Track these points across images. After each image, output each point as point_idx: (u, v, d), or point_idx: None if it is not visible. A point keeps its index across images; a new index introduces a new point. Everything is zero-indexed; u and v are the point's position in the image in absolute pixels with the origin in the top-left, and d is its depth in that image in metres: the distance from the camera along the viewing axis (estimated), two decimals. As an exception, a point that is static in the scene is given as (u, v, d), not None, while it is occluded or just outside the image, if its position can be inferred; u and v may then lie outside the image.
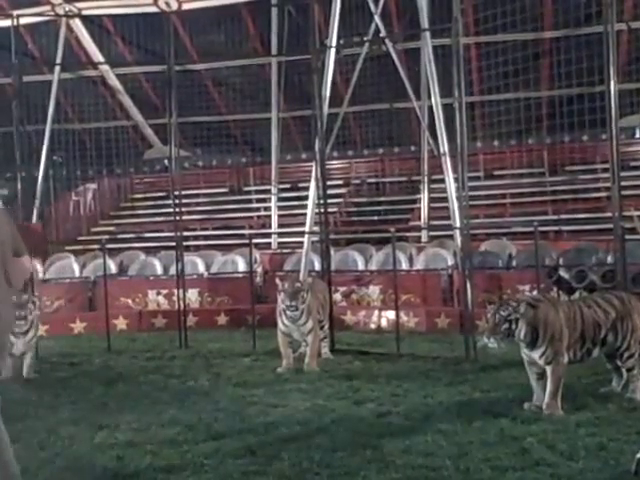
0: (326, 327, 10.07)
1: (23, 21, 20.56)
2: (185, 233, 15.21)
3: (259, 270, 15.15)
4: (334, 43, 14.71)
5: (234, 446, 5.87)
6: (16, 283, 4.60)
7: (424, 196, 19.17)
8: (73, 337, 12.64)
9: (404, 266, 14.34)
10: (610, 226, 9.87)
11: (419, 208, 19.49)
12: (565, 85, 20.30)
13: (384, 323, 12.45)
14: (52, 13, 21.09)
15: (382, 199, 21.81)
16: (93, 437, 6.31)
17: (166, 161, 21.18)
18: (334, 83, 15.12)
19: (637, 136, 20.79)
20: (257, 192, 22.92)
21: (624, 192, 9.61)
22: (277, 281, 9.52)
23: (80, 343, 11.73)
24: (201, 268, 15.93)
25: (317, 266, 13.63)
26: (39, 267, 15.61)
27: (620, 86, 9.64)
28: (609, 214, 10.64)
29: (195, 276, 15.22)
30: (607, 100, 9.13)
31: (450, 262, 13.88)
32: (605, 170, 14.82)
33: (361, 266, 15.04)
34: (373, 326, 12.60)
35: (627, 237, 9.41)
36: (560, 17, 20.13)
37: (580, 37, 19.34)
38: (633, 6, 19.13)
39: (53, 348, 11.13)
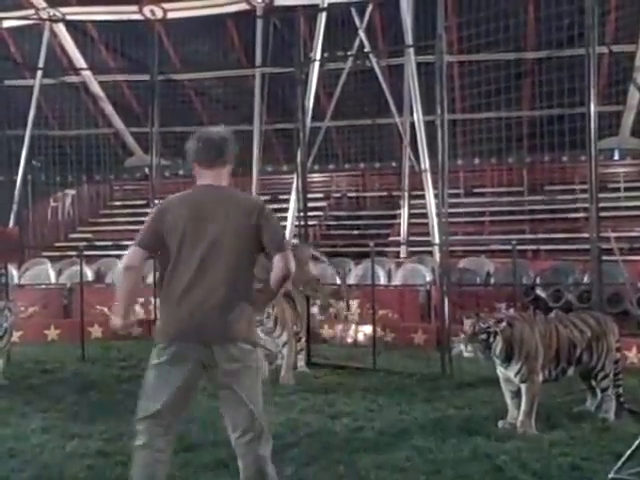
0: (303, 339, 10.01)
1: (6, 24, 20.46)
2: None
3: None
4: (318, 56, 14.80)
5: (206, 458, 5.81)
6: None
7: (404, 212, 19.22)
8: (47, 344, 12.48)
9: (382, 281, 14.35)
10: (587, 247, 9.94)
11: (399, 223, 19.53)
12: (546, 106, 20.52)
13: (361, 337, 12.42)
14: (36, 17, 20.98)
15: (362, 213, 21.85)
16: (64, 446, 6.22)
17: (147, 169, 21.09)
18: (317, 97, 15.22)
19: (616, 158, 21.02)
20: (237, 203, 22.84)
21: (602, 213, 9.68)
22: None
23: (54, 350, 11.58)
24: (178, 278, 15.81)
25: (295, 279, 13.58)
26: (14, 272, 15.44)
27: (600, 108, 9.76)
28: (586, 235, 10.73)
29: (172, 285, 15.10)
30: (587, 121, 9.21)
31: (428, 278, 13.91)
32: (583, 191, 14.92)
33: (339, 280, 15.00)
34: (350, 340, 12.57)
35: (604, 258, 9.48)
36: (543, 38, 20.37)
37: (562, 59, 19.57)
38: (614, 30, 19.39)
39: (26, 354, 10.99)
